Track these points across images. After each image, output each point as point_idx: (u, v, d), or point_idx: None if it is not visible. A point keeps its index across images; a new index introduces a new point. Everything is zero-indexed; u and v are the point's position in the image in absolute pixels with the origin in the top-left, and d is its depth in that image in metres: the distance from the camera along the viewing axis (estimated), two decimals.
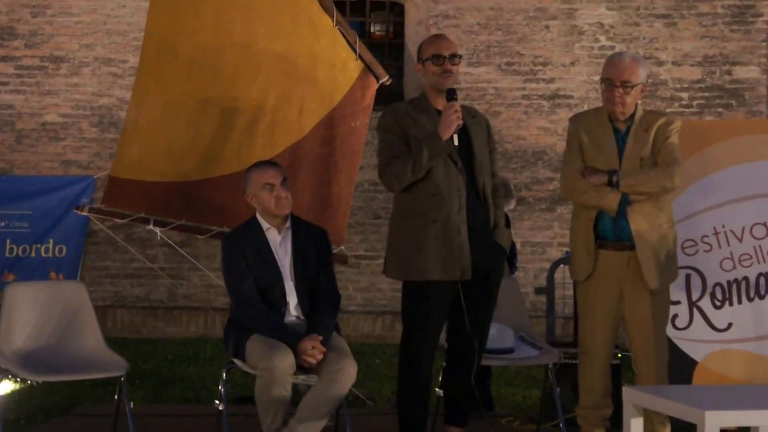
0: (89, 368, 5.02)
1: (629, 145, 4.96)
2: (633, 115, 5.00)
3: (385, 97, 6.80)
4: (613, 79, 4.93)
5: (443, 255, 4.72)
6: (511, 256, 6.40)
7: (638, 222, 4.91)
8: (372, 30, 10.43)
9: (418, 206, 4.79)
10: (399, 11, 10.32)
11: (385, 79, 6.28)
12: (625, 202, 4.91)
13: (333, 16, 6.13)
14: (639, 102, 5.07)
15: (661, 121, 5.00)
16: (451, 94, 4.77)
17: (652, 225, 4.92)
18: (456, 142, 4.71)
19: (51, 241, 9.15)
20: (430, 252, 4.73)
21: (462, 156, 4.78)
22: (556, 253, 9.26)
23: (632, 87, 4.90)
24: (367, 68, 6.23)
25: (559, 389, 5.41)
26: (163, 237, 6.27)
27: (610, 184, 4.89)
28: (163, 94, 6.00)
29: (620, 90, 4.91)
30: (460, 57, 4.91)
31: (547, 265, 7.24)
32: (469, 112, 4.97)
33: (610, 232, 4.97)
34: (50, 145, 10.08)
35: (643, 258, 4.90)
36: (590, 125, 5.04)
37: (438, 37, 5.05)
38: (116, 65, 10.00)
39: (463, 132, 4.82)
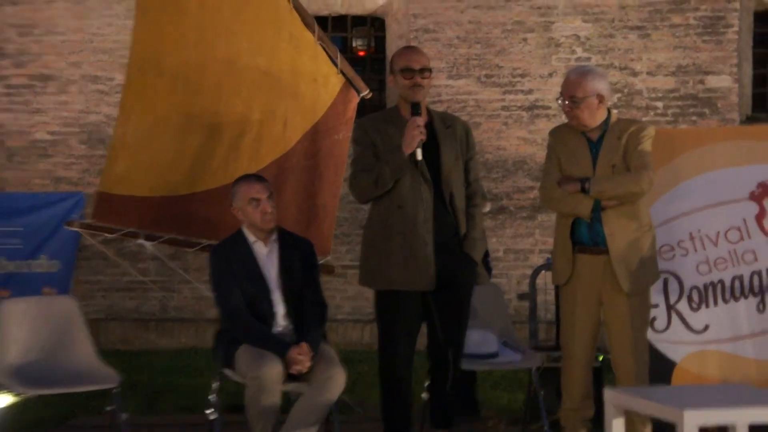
0: (82, 381, 5.02)
1: (602, 153, 5.03)
2: (607, 123, 5.07)
3: (368, 110, 6.81)
4: (563, 95, 5.04)
5: (408, 266, 4.74)
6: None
7: (611, 227, 4.98)
8: (354, 45, 10.44)
9: (386, 218, 4.81)
10: (380, 26, 10.34)
11: (365, 92, 6.30)
12: (598, 208, 4.98)
13: (315, 32, 6.14)
14: (615, 111, 5.13)
15: (633, 128, 5.07)
16: (415, 109, 4.76)
17: (625, 230, 4.98)
18: (419, 157, 4.70)
19: (43, 256, 9.10)
20: (395, 263, 4.76)
21: (430, 167, 4.78)
22: (537, 260, 9.27)
23: (579, 101, 4.98)
24: (349, 82, 6.24)
25: (542, 392, 5.43)
26: (153, 251, 6.25)
27: (582, 191, 4.97)
28: (148, 110, 5.99)
29: (569, 105, 5.00)
30: (431, 70, 4.87)
31: (529, 272, 7.25)
32: (444, 121, 4.95)
33: (587, 237, 5.04)
34: (40, 162, 10.05)
35: (616, 261, 4.96)
36: (566, 137, 5.14)
37: (409, 50, 5.03)
38: (103, 83, 9.98)
39: (433, 143, 4.82)
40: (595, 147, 5.06)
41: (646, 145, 5.00)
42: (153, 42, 5.99)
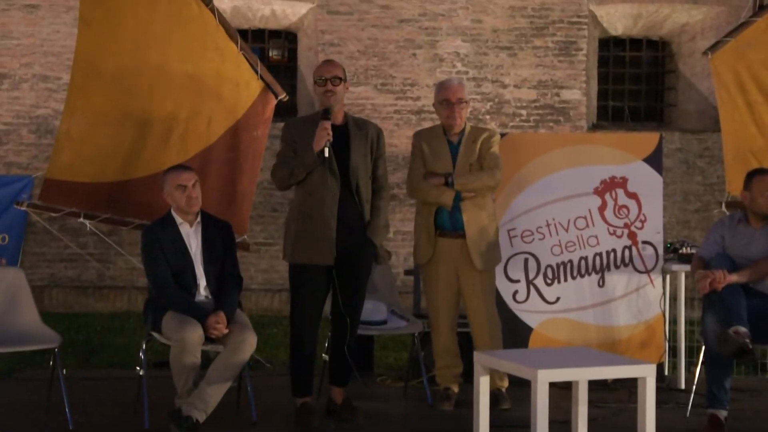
0: (27, 341, 4.86)
1: (461, 153, 5.13)
2: (463, 130, 5.16)
3: (282, 111, 6.75)
4: (450, 99, 5.09)
5: (312, 243, 4.74)
6: None
7: (468, 215, 5.08)
8: (270, 54, 10.35)
9: (300, 203, 4.82)
10: (293, 39, 10.27)
11: (282, 96, 6.23)
12: (458, 198, 5.06)
13: (237, 43, 6.06)
14: (466, 120, 5.25)
15: (485, 135, 5.20)
16: (325, 114, 4.75)
17: (478, 218, 5.11)
18: (327, 154, 4.69)
19: None
20: (303, 240, 4.76)
21: (340, 162, 4.76)
22: None
23: (465, 102, 5.11)
24: (267, 87, 6.17)
25: (423, 353, 5.45)
26: (92, 228, 6.09)
27: (446, 184, 5.04)
28: (89, 108, 5.84)
29: (457, 106, 5.05)
30: (340, 79, 4.84)
31: None
32: (357, 124, 4.94)
33: (448, 224, 5.13)
34: None
35: (471, 244, 5.08)
36: (429, 139, 5.22)
37: (325, 63, 5.02)
38: (51, 81, 9.68)
39: (345, 142, 4.80)
40: (455, 148, 5.14)
41: (496, 148, 5.15)
42: (93, 49, 5.84)
